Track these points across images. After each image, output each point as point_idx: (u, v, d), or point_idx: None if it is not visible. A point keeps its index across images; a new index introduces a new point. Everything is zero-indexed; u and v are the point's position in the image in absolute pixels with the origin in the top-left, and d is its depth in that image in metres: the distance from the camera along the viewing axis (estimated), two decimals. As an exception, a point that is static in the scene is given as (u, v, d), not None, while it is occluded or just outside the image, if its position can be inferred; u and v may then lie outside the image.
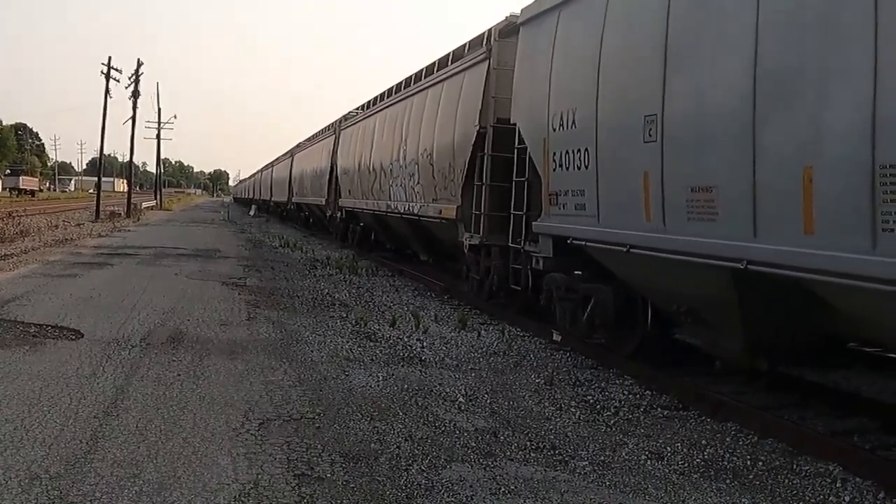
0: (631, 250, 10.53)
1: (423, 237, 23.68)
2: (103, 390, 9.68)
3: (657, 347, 12.16)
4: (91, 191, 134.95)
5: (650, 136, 10.02)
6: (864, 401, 10.49)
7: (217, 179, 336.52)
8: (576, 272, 12.96)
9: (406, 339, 14.23)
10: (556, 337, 14.19)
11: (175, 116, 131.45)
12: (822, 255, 7.62)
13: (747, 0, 8.61)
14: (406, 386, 10.75)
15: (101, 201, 60.54)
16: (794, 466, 8.29)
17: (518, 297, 15.85)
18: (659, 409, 10.33)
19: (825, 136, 7.63)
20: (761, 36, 8.43)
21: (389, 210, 25.35)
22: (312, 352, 12.68)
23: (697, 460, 8.41)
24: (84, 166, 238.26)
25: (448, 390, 10.66)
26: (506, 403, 10.20)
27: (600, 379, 11.82)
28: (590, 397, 10.77)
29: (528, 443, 8.63)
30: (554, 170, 12.77)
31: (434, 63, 22.48)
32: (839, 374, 11.44)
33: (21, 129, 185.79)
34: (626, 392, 11.16)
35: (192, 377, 10.57)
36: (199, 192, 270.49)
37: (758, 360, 9.89)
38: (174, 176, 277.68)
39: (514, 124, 14.83)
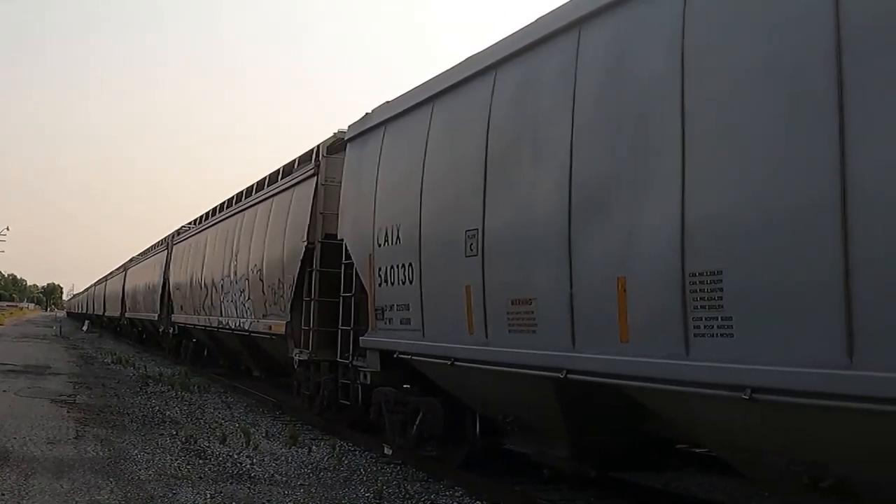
0: (455, 363, 10.49)
1: (255, 353, 23.21)
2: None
3: (488, 457, 12.01)
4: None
5: (472, 250, 10.08)
6: (694, 501, 10.52)
7: (51, 293, 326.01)
8: (404, 385, 12.80)
9: (236, 456, 13.83)
10: (388, 450, 13.94)
11: (8, 228, 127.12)
12: (637, 361, 7.70)
13: (562, 115, 8.80)
14: (234, 504, 10.31)
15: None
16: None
17: (349, 412, 15.56)
18: (491, 518, 10.14)
19: (637, 245, 7.76)
20: (575, 150, 8.62)
21: (221, 326, 24.84)
22: (140, 470, 12.23)
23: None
24: None
25: (276, 508, 10.26)
26: (334, 520, 9.89)
27: (431, 491, 11.60)
28: (420, 510, 10.54)
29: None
30: (380, 285, 12.69)
31: (265, 178, 22.33)
32: (670, 475, 11.50)
33: None
34: (456, 503, 10.92)
35: (17, 496, 10.09)
36: (32, 306, 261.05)
37: (585, 465, 9.83)
38: (6, 289, 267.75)
39: (342, 240, 14.71)
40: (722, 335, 6.91)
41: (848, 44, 6.08)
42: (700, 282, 7.05)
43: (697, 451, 10.78)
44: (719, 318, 6.92)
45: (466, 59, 11.20)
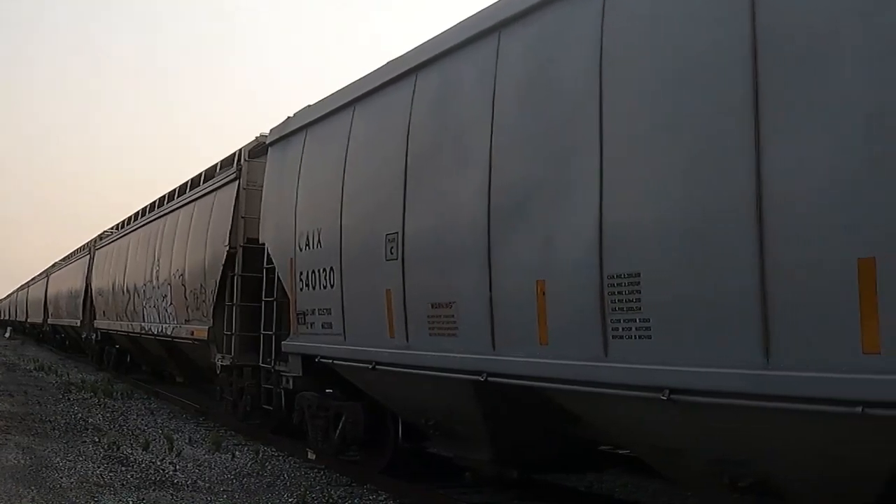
0: (376, 367, 10.40)
1: (178, 358, 22.84)
2: None
3: (412, 461, 11.93)
4: None
5: (392, 253, 10.01)
6: (617, 502, 10.53)
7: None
8: (327, 390, 12.65)
9: (159, 463, 13.63)
10: (311, 455, 13.79)
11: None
12: (557, 364, 7.68)
13: (482, 121, 8.76)
14: (155, 511, 10.15)
15: None
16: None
17: (272, 417, 15.36)
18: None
19: (556, 250, 7.76)
20: (495, 155, 8.59)
21: (144, 331, 24.44)
22: (62, 478, 12.07)
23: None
24: None
25: (197, 514, 10.12)
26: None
27: (354, 496, 11.49)
28: (343, 515, 10.43)
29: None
30: (301, 289, 12.57)
31: (187, 182, 21.99)
32: (593, 476, 11.51)
33: None
34: (379, 508, 10.85)
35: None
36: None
37: (507, 468, 9.78)
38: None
39: (263, 244, 14.53)
40: (640, 337, 6.92)
41: (763, 48, 6.09)
42: (618, 284, 7.04)
43: (621, 452, 10.78)
44: (637, 321, 6.92)
45: (388, 62, 11.10)
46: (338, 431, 12.25)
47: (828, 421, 5.70)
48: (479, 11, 9.33)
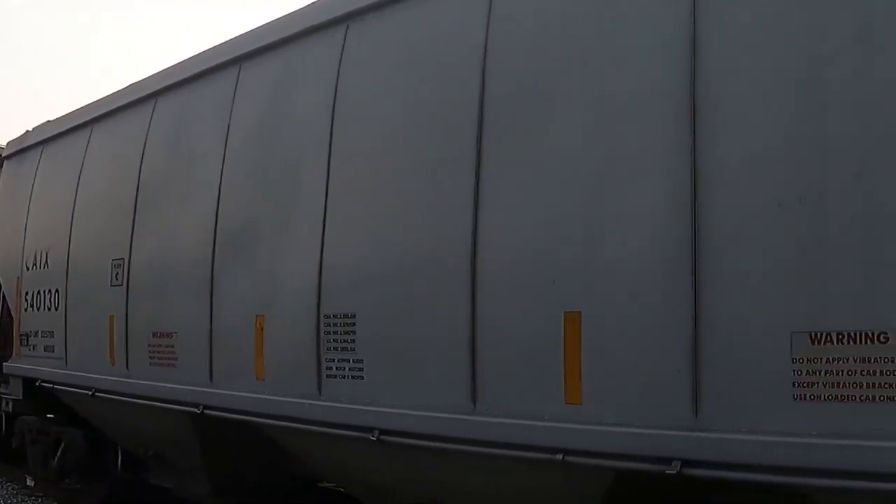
0: (96, 394, 9.83)
1: None
2: None
3: (132, 492, 11.18)
4: None
5: (117, 279, 9.56)
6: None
7: None
8: (48, 415, 11.74)
9: None
10: (30, 482, 12.84)
11: None
12: (273, 400, 7.43)
13: (214, 152, 8.41)
14: None
15: None
16: None
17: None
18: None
19: (277, 286, 7.56)
20: (224, 189, 8.27)
21: None
22: None
23: None
24: None
25: None
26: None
27: (68, 525, 10.63)
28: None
29: None
30: (25, 309, 11.84)
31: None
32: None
33: None
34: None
35: None
36: None
37: (228, 501, 9.28)
38: None
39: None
40: (353, 377, 6.76)
41: (487, 104, 6.02)
42: (334, 324, 6.89)
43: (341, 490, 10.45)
44: (351, 361, 6.77)
45: (129, 84, 10.52)
46: (56, 458, 11.40)
47: (531, 467, 5.63)
48: (222, 43, 9.05)
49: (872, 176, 4.29)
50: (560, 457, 5.28)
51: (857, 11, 4.44)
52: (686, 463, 4.72)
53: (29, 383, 11.81)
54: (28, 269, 11.77)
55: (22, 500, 12.13)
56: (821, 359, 4.33)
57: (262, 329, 7.53)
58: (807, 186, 4.48)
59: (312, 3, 7.96)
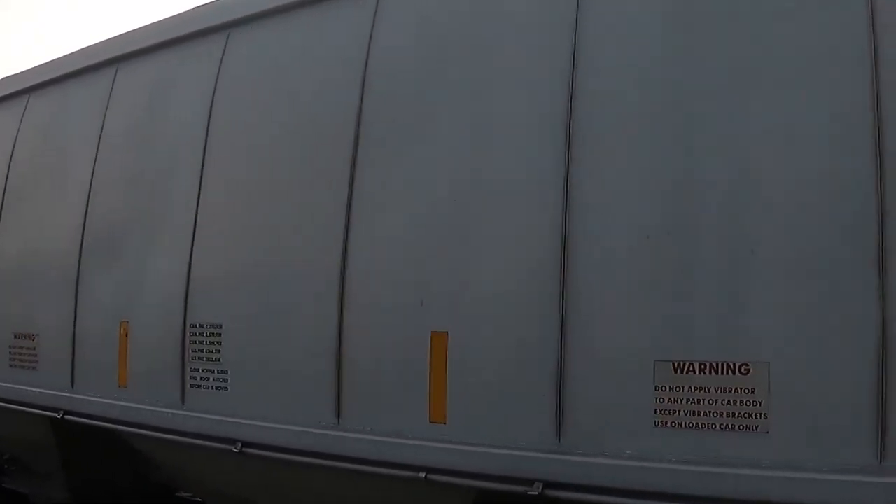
0: (-51, 394, 9.22)
1: None
2: None
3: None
4: None
5: None
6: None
7: None
8: None
9: None
10: None
11: None
12: (134, 407, 7.19)
13: (85, 155, 8.11)
14: None
15: None
16: None
17: None
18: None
19: (144, 292, 7.29)
20: (93, 192, 7.98)
21: None
22: None
23: None
24: None
25: None
26: None
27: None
28: None
29: None
30: None
31: None
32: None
33: None
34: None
35: None
36: None
37: (84, 508, 8.91)
38: None
39: None
40: (218, 388, 6.58)
41: (364, 125, 5.93)
42: (200, 334, 6.70)
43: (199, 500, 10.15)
44: (216, 371, 6.58)
45: (2, 78, 9.99)
46: None
47: (394, 484, 5.54)
48: (99, 42, 8.73)
49: (738, 210, 4.33)
50: (423, 475, 5.22)
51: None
52: (548, 485, 4.69)
53: None
54: None
55: None
56: (683, 387, 4.34)
57: (126, 335, 7.28)
58: (674, 219, 4.51)
59: (195, 7, 7.77)
